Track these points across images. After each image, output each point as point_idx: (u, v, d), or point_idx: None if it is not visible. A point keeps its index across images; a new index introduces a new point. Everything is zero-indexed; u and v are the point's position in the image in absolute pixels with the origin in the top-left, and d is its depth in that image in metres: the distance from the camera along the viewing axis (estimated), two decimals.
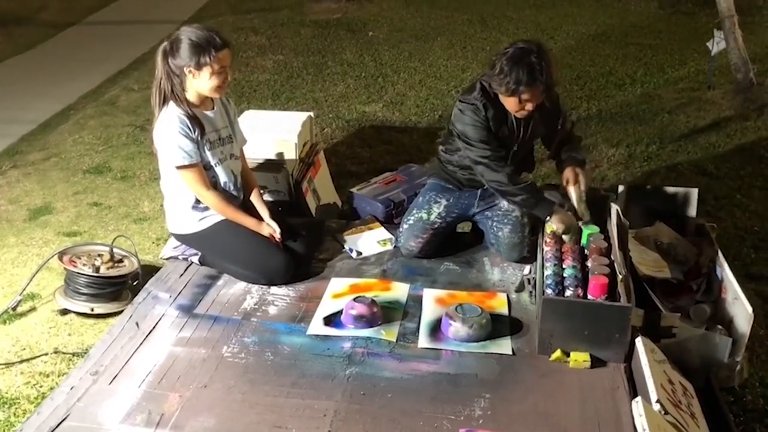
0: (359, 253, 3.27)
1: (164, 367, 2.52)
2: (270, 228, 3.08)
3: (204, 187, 2.98)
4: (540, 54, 2.85)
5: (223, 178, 3.07)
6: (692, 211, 3.25)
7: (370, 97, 5.98)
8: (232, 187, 3.11)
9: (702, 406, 2.38)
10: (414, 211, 3.26)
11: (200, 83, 2.90)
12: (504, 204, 3.19)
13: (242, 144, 3.27)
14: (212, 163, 3.02)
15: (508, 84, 2.86)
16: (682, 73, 6.52)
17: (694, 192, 3.26)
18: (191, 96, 2.95)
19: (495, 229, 3.20)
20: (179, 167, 2.93)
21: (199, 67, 2.85)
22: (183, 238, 3.16)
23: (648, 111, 5.60)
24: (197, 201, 3.03)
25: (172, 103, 2.92)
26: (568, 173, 3.12)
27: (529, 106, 2.95)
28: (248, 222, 3.07)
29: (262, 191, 3.40)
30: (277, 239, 3.07)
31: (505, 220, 3.17)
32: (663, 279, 2.93)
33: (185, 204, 3.05)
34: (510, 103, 2.97)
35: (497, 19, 8.78)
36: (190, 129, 2.90)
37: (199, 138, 2.94)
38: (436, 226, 3.22)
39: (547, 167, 4.60)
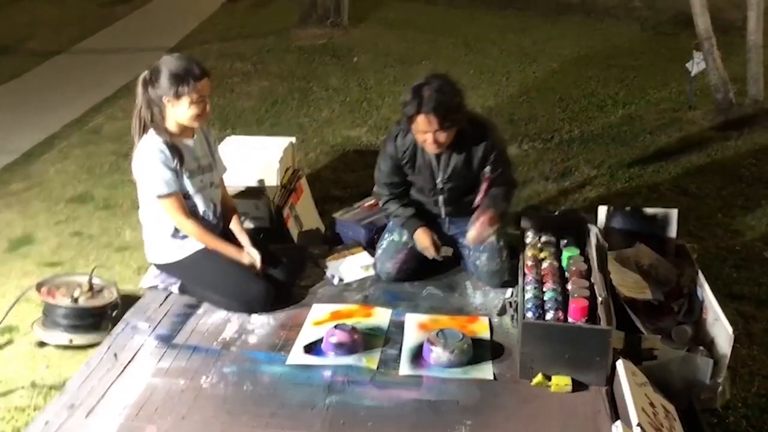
0: (341, 280, 3.25)
1: (142, 398, 2.49)
2: (250, 256, 3.07)
3: (183, 216, 2.97)
4: (440, 86, 2.91)
5: (202, 206, 3.06)
6: (672, 231, 3.26)
7: (354, 122, 6.00)
8: (211, 216, 3.10)
9: (684, 429, 2.36)
10: (386, 236, 3.29)
11: (179, 113, 2.90)
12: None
13: (222, 172, 3.26)
14: (191, 192, 3.01)
15: (404, 112, 2.94)
16: (664, 94, 6.59)
17: (674, 213, 3.27)
18: (171, 125, 2.95)
19: (473, 257, 3.20)
20: (159, 196, 2.92)
21: (177, 96, 2.86)
22: (163, 267, 3.14)
23: (629, 132, 5.64)
24: (176, 230, 3.02)
25: (151, 132, 2.92)
26: (475, 216, 3.06)
27: (429, 138, 2.95)
28: (228, 250, 3.06)
29: (243, 218, 3.39)
30: (258, 268, 3.06)
31: (481, 248, 3.16)
32: (644, 300, 2.93)
33: (164, 232, 3.04)
34: (416, 135, 3.00)
35: (481, 42, 8.85)
36: (169, 158, 2.90)
37: (179, 167, 2.94)
38: (409, 246, 3.22)
39: (530, 189, 4.62)
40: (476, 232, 3.00)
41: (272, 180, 3.69)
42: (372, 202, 3.83)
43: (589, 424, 2.33)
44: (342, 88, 6.99)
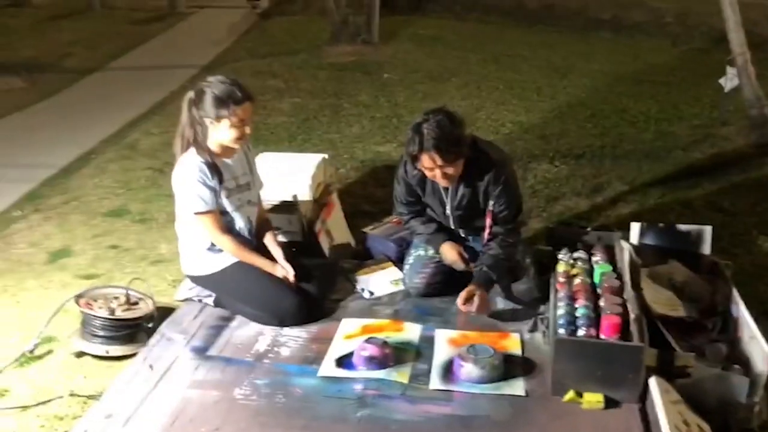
0: (371, 294, 3.27)
1: (177, 409, 2.53)
2: (283, 270, 3.11)
3: (219, 232, 3.04)
4: (438, 123, 2.89)
5: (238, 224, 3.13)
6: (706, 248, 3.23)
7: (384, 138, 6.04)
8: (246, 233, 3.17)
9: None
10: (412, 251, 3.33)
11: (220, 134, 2.99)
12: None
13: (260, 188, 3.32)
14: (229, 209, 3.08)
15: (408, 151, 2.96)
16: (696, 110, 6.54)
17: (708, 230, 3.24)
18: (212, 145, 3.03)
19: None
20: (196, 213, 2.99)
21: (218, 119, 2.94)
22: (197, 280, 3.20)
23: (662, 148, 5.60)
24: (212, 244, 3.08)
25: (193, 150, 3.00)
26: (469, 290, 3.02)
27: (438, 174, 2.97)
28: (262, 263, 3.11)
29: (276, 232, 3.44)
30: (291, 281, 3.10)
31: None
32: (677, 318, 2.90)
33: (200, 246, 3.10)
34: (425, 172, 3.02)
35: (511, 58, 8.88)
36: (208, 177, 2.97)
37: (218, 186, 3.01)
38: (436, 260, 3.25)
39: (562, 205, 4.61)
40: (464, 310, 2.98)
41: (305, 195, 3.74)
42: None
43: None
44: (372, 105, 7.04)
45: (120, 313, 3.13)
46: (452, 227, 3.29)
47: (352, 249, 3.97)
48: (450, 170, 2.97)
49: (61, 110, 7.47)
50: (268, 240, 3.26)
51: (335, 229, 3.95)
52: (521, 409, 2.50)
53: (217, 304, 3.20)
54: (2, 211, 4.81)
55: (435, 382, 2.65)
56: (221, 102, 2.93)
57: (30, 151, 6.07)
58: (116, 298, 3.23)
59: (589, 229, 3.48)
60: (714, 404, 2.52)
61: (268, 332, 3.01)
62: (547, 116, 6.56)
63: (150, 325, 3.17)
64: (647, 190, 4.80)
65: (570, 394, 2.51)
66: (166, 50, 10.35)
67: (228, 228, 3.09)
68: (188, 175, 2.97)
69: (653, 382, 2.40)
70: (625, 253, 3.02)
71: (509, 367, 2.71)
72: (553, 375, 2.55)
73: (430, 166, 2.95)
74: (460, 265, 3.19)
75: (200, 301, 3.24)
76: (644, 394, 2.46)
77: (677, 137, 5.85)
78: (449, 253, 3.20)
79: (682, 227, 3.30)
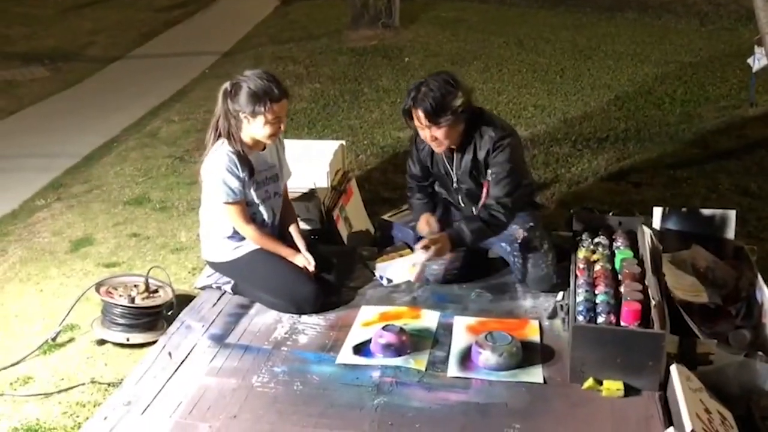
0: (389, 281, 3.26)
1: (195, 397, 2.54)
2: (305, 260, 3.11)
3: (244, 222, 3.06)
4: (436, 85, 2.93)
5: (263, 215, 3.15)
6: (730, 233, 3.17)
7: (404, 123, 5.96)
8: (269, 225, 3.19)
9: None
10: None
11: (254, 129, 2.99)
12: (520, 235, 3.15)
13: (287, 177, 3.33)
14: (256, 201, 3.11)
15: (403, 106, 3.03)
16: (723, 91, 6.40)
17: (732, 214, 3.17)
18: (245, 137, 3.04)
19: (518, 264, 3.17)
20: (224, 203, 3.01)
21: (254, 115, 2.94)
22: (217, 266, 3.21)
23: (687, 130, 5.50)
24: (235, 232, 3.10)
25: (225, 141, 3.00)
26: (435, 237, 3.03)
27: (427, 135, 3.00)
28: (285, 252, 3.13)
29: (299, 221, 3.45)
30: (311, 271, 3.10)
31: (525, 254, 3.14)
32: (700, 304, 2.85)
33: (221, 233, 3.12)
34: (416, 125, 3.05)
35: (534, 40, 8.76)
36: (238, 168, 2.99)
37: (247, 178, 3.02)
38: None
39: (584, 189, 4.55)
40: (418, 248, 2.99)
41: (322, 182, 3.73)
42: None
43: (641, 430, 2.29)
44: (392, 89, 7.00)
45: (140, 301, 3.15)
46: (462, 204, 3.26)
47: (371, 236, 3.96)
48: (438, 134, 2.98)
49: (84, 99, 7.54)
50: (293, 230, 3.27)
51: (354, 216, 3.94)
52: (539, 396, 2.48)
53: (236, 291, 3.21)
54: (26, 200, 4.88)
55: (453, 370, 2.64)
56: (257, 98, 2.92)
57: (53, 140, 6.14)
58: (136, 286, 3.25)
59: (610, 213, 3.42)
60: (736, 392, 2.47)
61: (286, 320, 3.02)
62: (570, 99, 6.47)
63: (169, 312, 3.20)
64: (672, 173, 4.72)
65: (589, 382, 2.48)
66: (188, 37, 10.38)
67: (252, 218, 3.10)
68: (219, 165, 2.98)
69: (674, 370, 2.36)
70: (646, 238, 2.97)
71: (527, 354, 2.68)
72: (571, 362, 2.52)
73: (419, 124, 3.00)
74: (426, 232, 3.19)
75: (219, 288, 3.25)
76: (665, 382, 2.42)
77: (703, 119, 5.74)
78: (421, 222, 3.25)
79: (706, 211, 3.24)
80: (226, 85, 3.00)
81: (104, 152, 5.78)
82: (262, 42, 9.53)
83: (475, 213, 3.19)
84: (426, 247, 2.97)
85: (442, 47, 8.58)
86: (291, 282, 3.06)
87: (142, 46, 9.85)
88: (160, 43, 10.13)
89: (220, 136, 3.03)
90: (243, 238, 3.12)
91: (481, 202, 3.13)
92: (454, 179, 3.19)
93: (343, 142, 4.12)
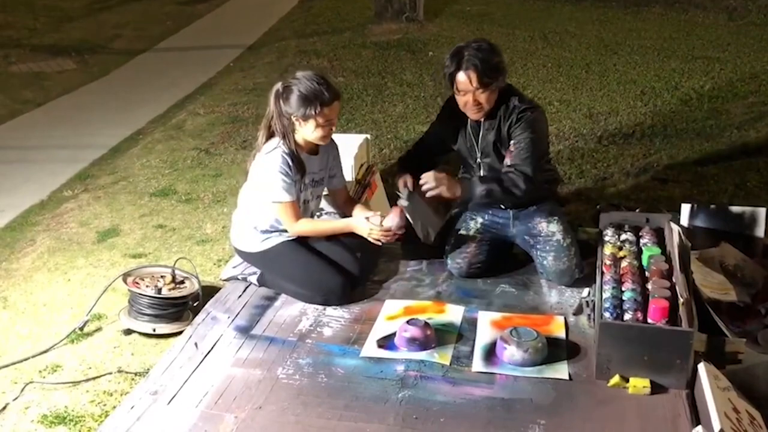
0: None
1: (221, 387, 2.56)
2: (368, 225, 3.10)
3: (294, 221, 3.08)
4: (479, 46, 2.98)
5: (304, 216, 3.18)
6: (760, 231, 3.13)
7: (428, 117, 5.97)
8: None
9: None
10: (454, 230, 3.29)
11: (305, 132, 3.03)
12: (543, 229, 3.14)
13: (340, 185, 3.36)
14: (299, 203, 3.13)
15: (444, 73, 3.03)
16: (752, 87, 6.31)
17: (762, 211, 3.13)
18: (298, 139, 3.07)
19: (540, 258, 3.16)
20: (275, 202, 3.04)
21: (305, 118, 2.97)
22: (246, 256, 3.23)
23: (715, 127, 5.43)
24: (270, 227, 3.13)
25: (281, 141, 3.03)
26: (442, 176, 3.06)
27: (470, 100, 3.01)
28: (341, 225, 3.20)
29: (319, 213, 3.46)
30: (393, 232, 3.09)
31: (547, 247, 3.12)
32: (729, 302, 2.82)
33: (257, 226, 3.14)
34: (458, 99, 3.06)
35: (559, 35, 8.70)
36: (291, 169, 3.01)
37: (298, 179, 3.05)
38: (477, 239, 3.21)
39: (610, 185, 4.51)
40: (422, 181, 3.03)
41: (347, 175, 3.72)
42: None
43: (668, 428, 2.27)
44: (416, 83, 6.99)
45: (166, 292, 3.19)
46: None
47: None
48: (483, 97, 3.00)
49: (111, 91, 7.61)
50: (358, 208, 3.32)
51: (378, 210, 3.93)
52: (564, 393, 2.47)
53: (262, 282, 3.23)
54: (54, 190, 4.95)
55: (477, 364, 2.63)
56: (308, 102, 2.94)
57: (80, 132, 6.22)
58: (163, 277, 3.29)
59: (637, 210, 3.39)
60: (765, 391, 2.45)
61: (311, 312, 3.03)
62: (595, 94, 6.41)
63: (195, 304, 3.22)
64: (699, 170, 4.67)
65: (615, 379, 2.46)
66: (213, 30, 10.44)
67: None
68: (273, 164, 2.99)
69: (702, 368, 2.34)
70: (674, 235, 2.94)
71: (553, 350, 2.67)
72: (597, 359, 2.51)
73: (465, 88, 2.99)
74: (402, 189, 3.18)
75: (245, 279, 3.27)
76: (692, 380, 2.40)
77: (731, 115, 5.66)
78: (400, 179, 3.24)
79: (735, 209, 3.20)
80: (278, 86, 3.02)
81: (131, 144, 5.84)
82: (286, 35, 9.56)
83: None
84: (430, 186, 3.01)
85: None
86: (318, 273, 3.08)
87: (167, 39, 9.93)
88: (185, 36, 10.20)
89: (271, 136, 3.06)
90: (272, 231, 3.14)
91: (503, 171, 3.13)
92: (478, 153, 3.19)
93: (368, 136, 4.12)
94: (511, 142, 3.09)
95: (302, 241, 3.16)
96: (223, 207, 4.43)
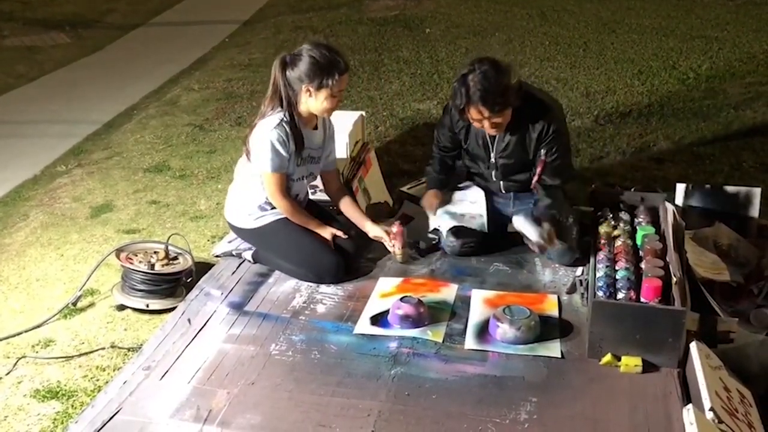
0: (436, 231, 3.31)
1: (213, 363, 2.56)
2: (332, 232, 3.13)
3: (280, 194, 3.05)
4: (484, 73, 2.84)
5: (295, 192, 3.15)
6: (754, 211, 3.13)
7: (425, 95, 5.96)
8: (299, 202, 3.19)
9: (762, 414, 2.28)
10: (449, 209, 3.29)
11: (315, 103, 2.97)
12: (543, 209, 3.13)
13: (332, 165, 3.32)
14: (293, 177, 3.09)
15: (455, 104, 2.94)
16: (750, 67, 6.28)
17: (757, 191, 3.13)
18: (302, 110, 3.01)
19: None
20: (264, 171, 3.01)
21: (319, 88, 2.90)
22: (240, 232, 3.21)
23: (712, 106, 5.41)
24: (266, 202, 3.11)
25: (281, 113, 2.97)
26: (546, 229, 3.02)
27: (486, 124, 2.93)
28: (314, 225, 3.14)
29: (312, 191, 3.44)
30: (340, 236, 3.12)
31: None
32: (722, 282, 2.83)
33: (253, 200, 3.12)
34: (473, 123, 3.00)
35: (557, 12, 8.63)
36: (288, 141, 2.97)
37: (293, 153, 3.01)
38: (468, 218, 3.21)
39: (606, 164, 4.51)
40: (538, 239, 3.00)
41: (342, 153, 3.70)
42: None
43: (659, 406, 2.28)
44: (413, 60, 6.94)
45: (159, 268, 3.18)
46: (494, 179, 3.23)
47: (390, 208, 3.95)
48: (498, 120, 2.93)
49: (104, 66, 7.55)
50: (347, 204, 3.29)
51: (373, 188, 3.92)
52: (557, 371, 2.48)
53: (256, 259, 3.22)
54: (47, 165, 4.92)
55: (470, 342, 2.64)
56: (323, 70, 2.87)
57: (74, 106, 6.16)
58: (156, 252, 3.27)
59: (632, 189, 3.39)
60: (756, 370, 2.46)
61: (305, 289, 3.03)
62: (593, 73, 6.37)
63: (189, 280, 3.22)
64: (695, 149, 4.66)
65: (607, 357, 2.47)
66: (208, 5, 10.33)
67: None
68: (270, 134, 2.94)
69: (694, 347, 2.35)
70: (669, 214, 2.94)
71: (546, 328, 2.67)
72: (590, 337, 2.51)
73: (478, 118, 2.92)
74: (431, 212, 3.26)
75: (239, 255, 3.26)
76: (684, 359, 2.41)
77: (729, 95, 5.64)
78: (426, 198, 3.28)
79: (730, 189, 3.20)
80: (284, 55, 2.95)
81: (125, 119, 5.80)
82: (282, 11, 9.47)
83: (503, 186, 3.21)
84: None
85: (464, 18, 8.47)
86: (313, 252, 3.06)
87: (161, 14, 9.82)
88: (180, 11, 10.09)
89: (275, 105, 2.99)
90: (267, 208, 3.12)
91: (535, 178, 3.10)
92: (492, 155, 3.15)
93: (363, 113, 4.09)
94: (542, 152, 3.03)
95: None
96: (218, 183, 4.41)
